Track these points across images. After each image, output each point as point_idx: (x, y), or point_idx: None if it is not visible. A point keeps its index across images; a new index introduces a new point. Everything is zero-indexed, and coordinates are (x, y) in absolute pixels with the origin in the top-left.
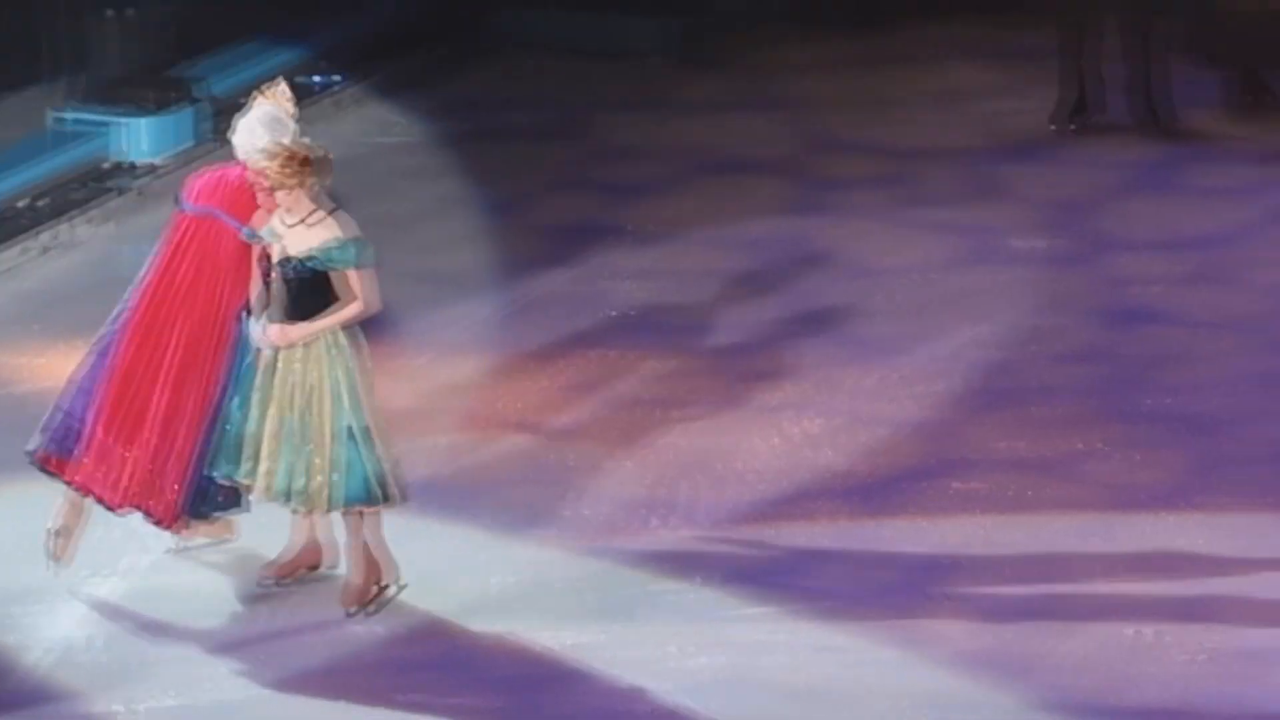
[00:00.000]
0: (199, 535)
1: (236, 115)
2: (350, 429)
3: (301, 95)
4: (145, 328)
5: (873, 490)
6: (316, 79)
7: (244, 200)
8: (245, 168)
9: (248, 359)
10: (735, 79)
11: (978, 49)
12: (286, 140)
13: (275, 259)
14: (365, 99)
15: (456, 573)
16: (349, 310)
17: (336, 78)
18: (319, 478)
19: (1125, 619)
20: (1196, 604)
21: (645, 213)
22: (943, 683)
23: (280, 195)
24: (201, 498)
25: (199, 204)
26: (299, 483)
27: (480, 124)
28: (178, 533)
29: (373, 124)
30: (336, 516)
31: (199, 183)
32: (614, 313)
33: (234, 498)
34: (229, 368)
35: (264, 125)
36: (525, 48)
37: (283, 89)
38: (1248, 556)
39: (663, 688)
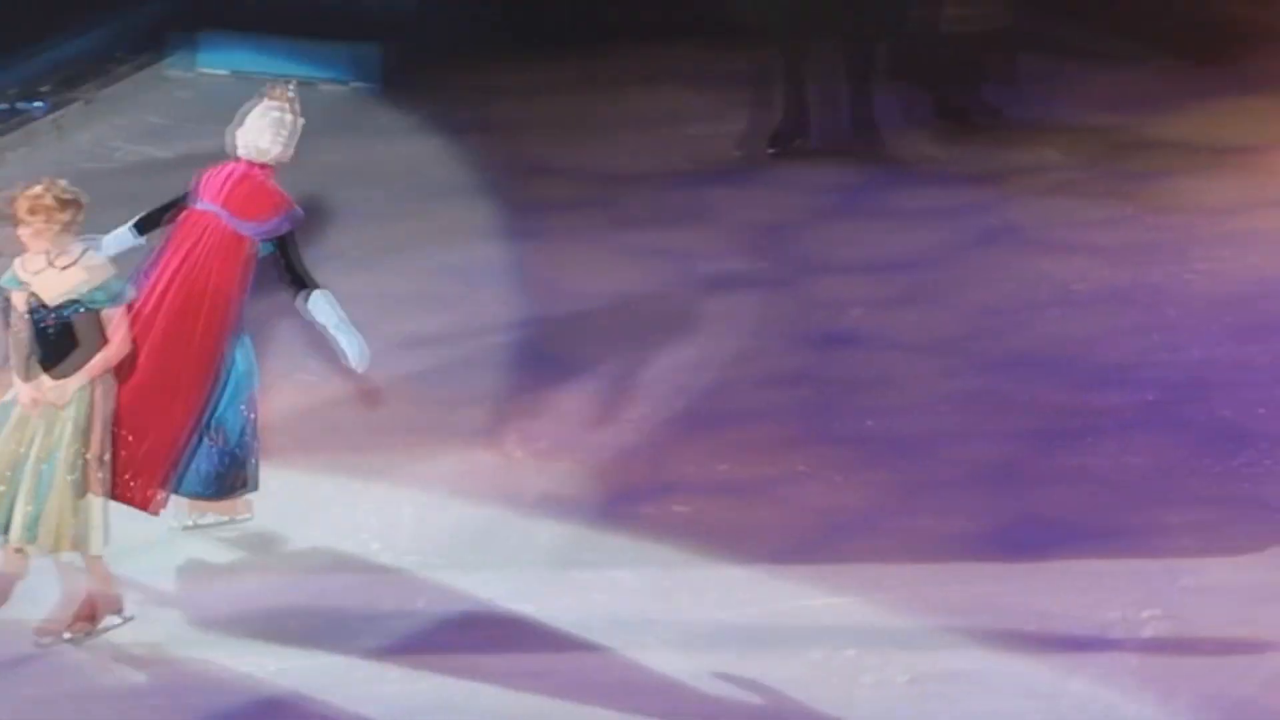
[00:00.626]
0: (211, 512)
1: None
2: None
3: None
4: (147, 320)
5: (585, 512)
6: (25, 104)
7: (251, 199)
8: (250, 165)
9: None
10: (441, 104)
11: (685, 73)
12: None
13: (24, 308)
14: (72, 124)
15: (169, 604)
16: (111, 350)
17: (39, 103)
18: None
19: (827, 641)
20: (897, 626)
21: (352, 238)
22: (655, 706)
23: (30, 240)
24: (207, 481)
25: (208, 202)
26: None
27: (174, 149)
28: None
29: (82, 149)
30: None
31: (208, 180)
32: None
33: (244, 481)
34: (220, 366)
35: (269, 126)
36: (220, 75)
37: (289, 89)
38: (950, 578)
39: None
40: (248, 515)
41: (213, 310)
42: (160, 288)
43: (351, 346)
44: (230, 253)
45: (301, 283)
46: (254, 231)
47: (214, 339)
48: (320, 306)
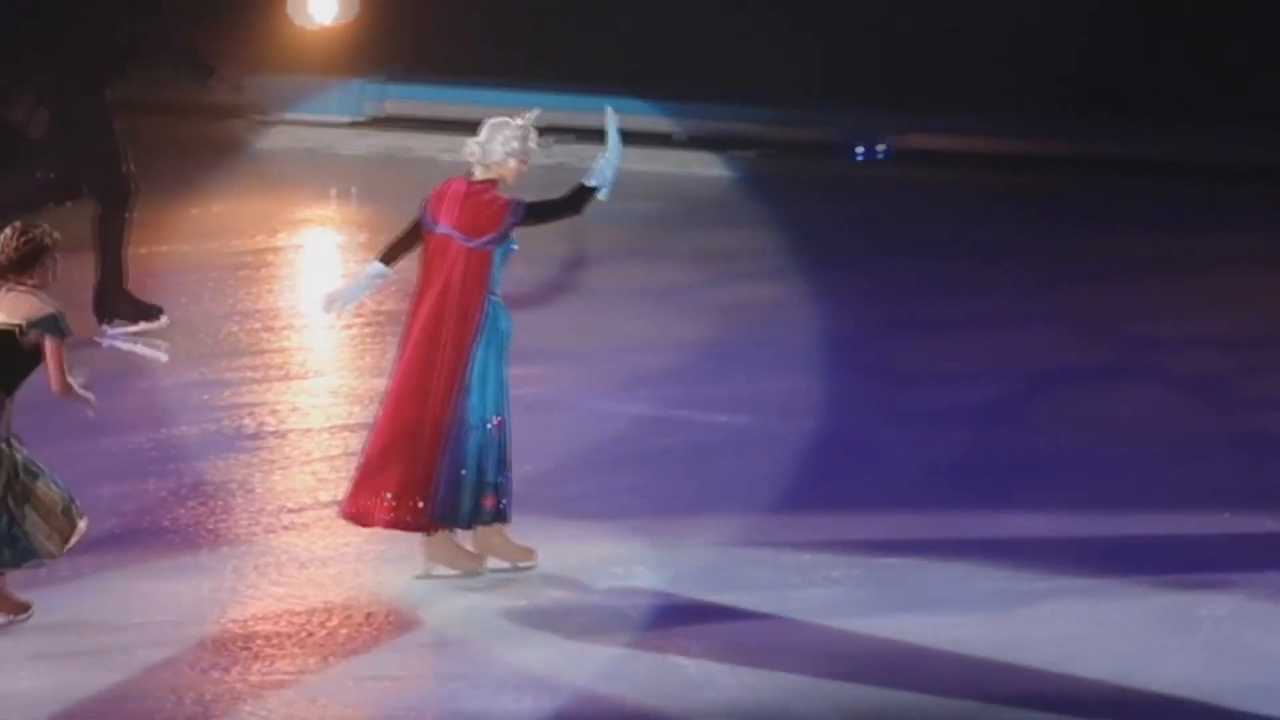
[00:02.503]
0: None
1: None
2: None
3: None
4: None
5: None
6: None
7: (479, 215)
8: (469, 182)
9: (492, 370)
10: None
11: None
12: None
13: None
14: None
15: None
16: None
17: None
18: None
19: None
20: None
21: None
22: None
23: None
24: (458, 510)
25: (443, 225)
26: None
27: None
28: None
29: None
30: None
31: (436, 202)
32: None
33: (498, 511)
34: (464, 376)
35: (503, 140)
36: None
37: (532, 115)
38: None
39: None
40: (530, 563)
41: (460, 324)
42: (416, 315)
43: (607, 167)
44: (471, 268)
45: (574, 203)
46: (488, 243)
47: (463, 351)
48: (612, 126)
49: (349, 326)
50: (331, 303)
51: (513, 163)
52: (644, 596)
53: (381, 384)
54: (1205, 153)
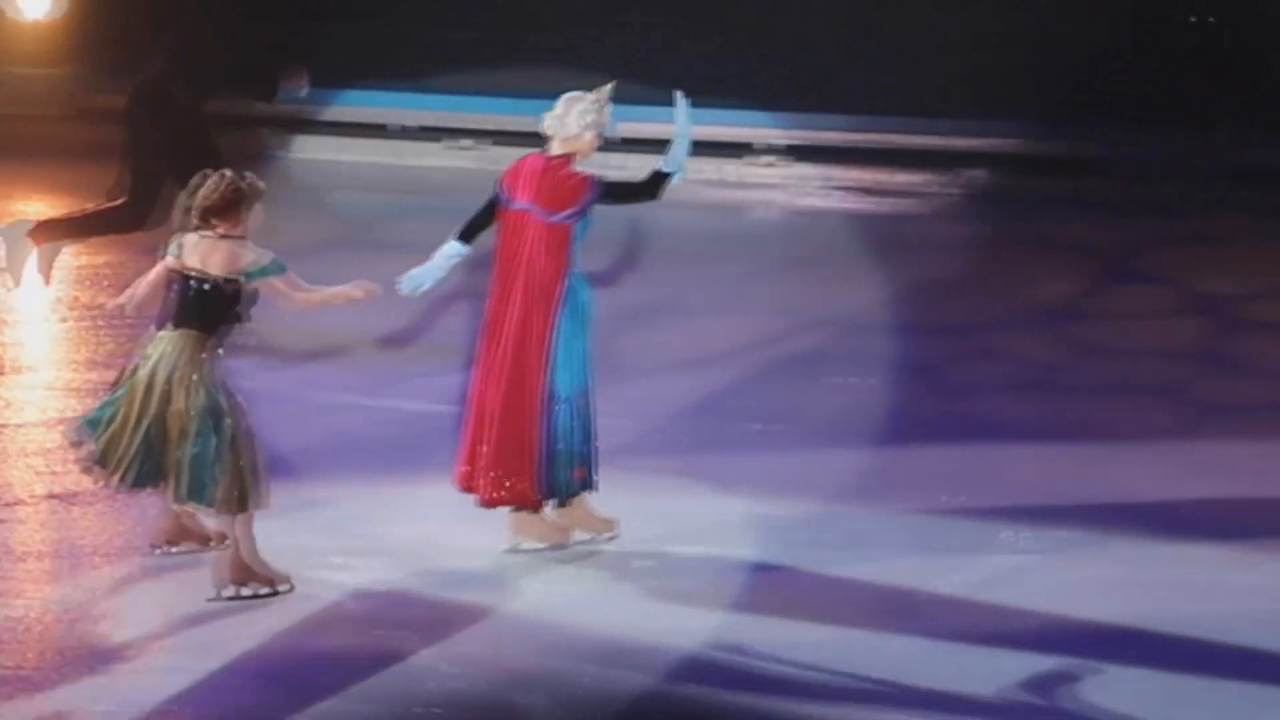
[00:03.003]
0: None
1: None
2: None
3: None
4: (500, 326)
5: None
6: None
7: (558, 190)
8: (546, 157)
9: (576, 342)
10: None
11: None
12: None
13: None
14: None
15: None
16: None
17: None
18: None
19: None
20: None
21: None
22: None
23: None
24: (557, 483)
25: (522, 201)
26: None
27: None
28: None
29: None
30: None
31: (512, 179)
32: None
33: (586, 481)
34: (551, 350)
35: (578, 114)
36: None
37: (608, 89)
38: None
39: None
40: (613, 534)
41: (542, 300)
42: (501, 293)
43: (680, 152)
44: (552, 243)
45: (651, 188)
46: (568, 218)
47: (546, 326)
48: (681, 111)
49: (63, 320)
50: (411, 284)
51: (589, 135)
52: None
53: (98, 377)
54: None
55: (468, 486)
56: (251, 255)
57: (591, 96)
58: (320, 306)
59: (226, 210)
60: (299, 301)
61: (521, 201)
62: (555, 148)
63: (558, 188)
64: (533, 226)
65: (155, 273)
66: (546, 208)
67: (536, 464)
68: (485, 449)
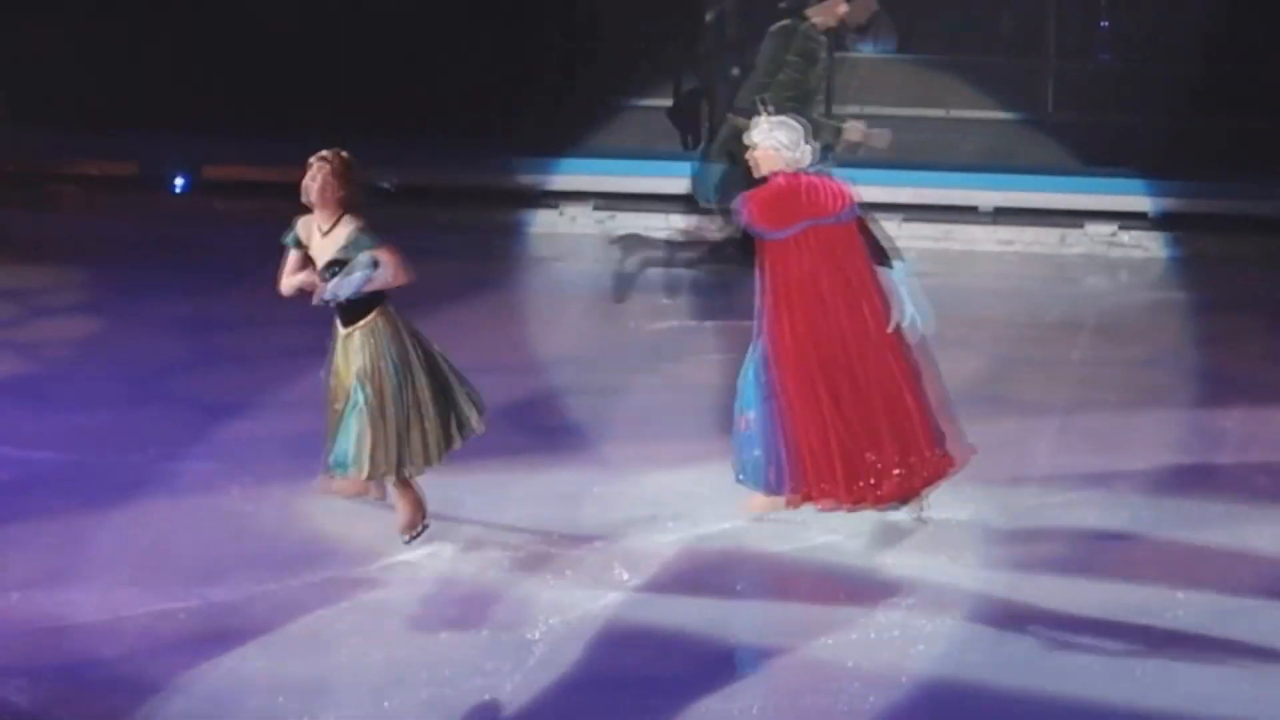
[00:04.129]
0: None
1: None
2: None
3: None
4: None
5: None
6: None
7: (832, 192)
8: (788, 176)
9: None
10: None
11: None
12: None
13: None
14: None
15: None
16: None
17: None
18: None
19: None
20: None
21: None
22: None
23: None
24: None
25: (833, 215)
26: None
27: None
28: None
29: None
30: None
31: (775, 209)
32: None
33: None
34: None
35: (783, 130)
36: None
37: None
38: None
39: None
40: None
41: (864, 293)
42: (813, 308)
43: (906, 311)
44: (852, 238)
45: (884, 255)
46: (854, 211)
47: (881, 315)
48: (899, 276)
49: None
50: None
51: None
52: None
53: None
54: None
55: (858, 502)
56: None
57: (779, 119)
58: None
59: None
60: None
61: (803, 222)
62: (784, 165)
63: (823, 192)
64: (826, 235)
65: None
66: (836, 213)
67: (935, 433)
68: (877, 447)
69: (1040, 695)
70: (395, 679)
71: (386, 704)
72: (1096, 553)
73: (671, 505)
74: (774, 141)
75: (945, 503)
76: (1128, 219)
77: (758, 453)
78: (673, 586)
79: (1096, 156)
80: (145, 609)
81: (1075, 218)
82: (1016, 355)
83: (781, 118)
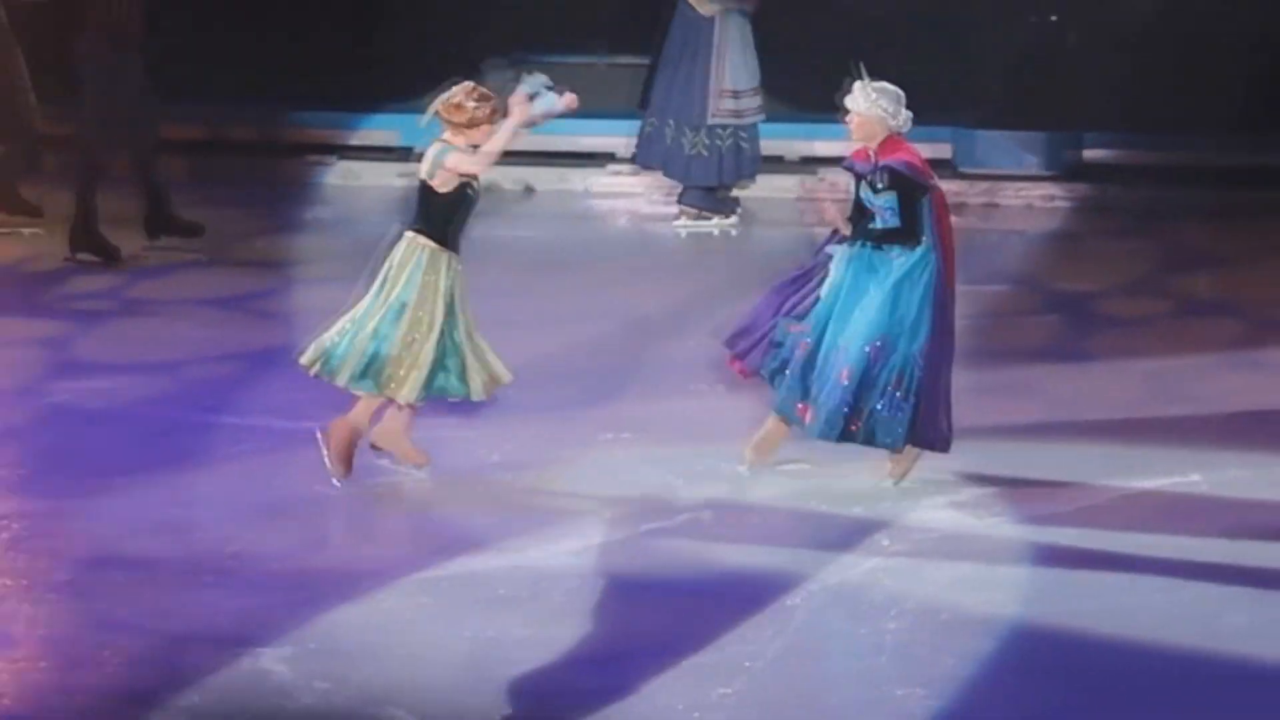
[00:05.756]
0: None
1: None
2: None
3: None
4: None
5: None
6: None
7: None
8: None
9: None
10: None
11: None
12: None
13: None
14: None
15: None
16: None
17: None
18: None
19: None
20: None
21: None
22: None
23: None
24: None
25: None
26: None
27: None
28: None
29: None
30: None
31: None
32: None
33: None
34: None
35: (885, 95)
36: None
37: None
38: None
39: None
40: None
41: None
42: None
43: None
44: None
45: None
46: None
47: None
48: None
49: None
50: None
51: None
52: None
53: None
54: None
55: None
56: (430, 154)
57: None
58: (499, 149)
59: (454, 112)
60: (483, 158)
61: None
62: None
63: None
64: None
65: None
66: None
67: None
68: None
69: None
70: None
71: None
72: None
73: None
74: (879, 109)
75: None
76: None
77: (896, 410)
78: (927, 555)
79: None
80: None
81: None
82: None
83: (882, 83)
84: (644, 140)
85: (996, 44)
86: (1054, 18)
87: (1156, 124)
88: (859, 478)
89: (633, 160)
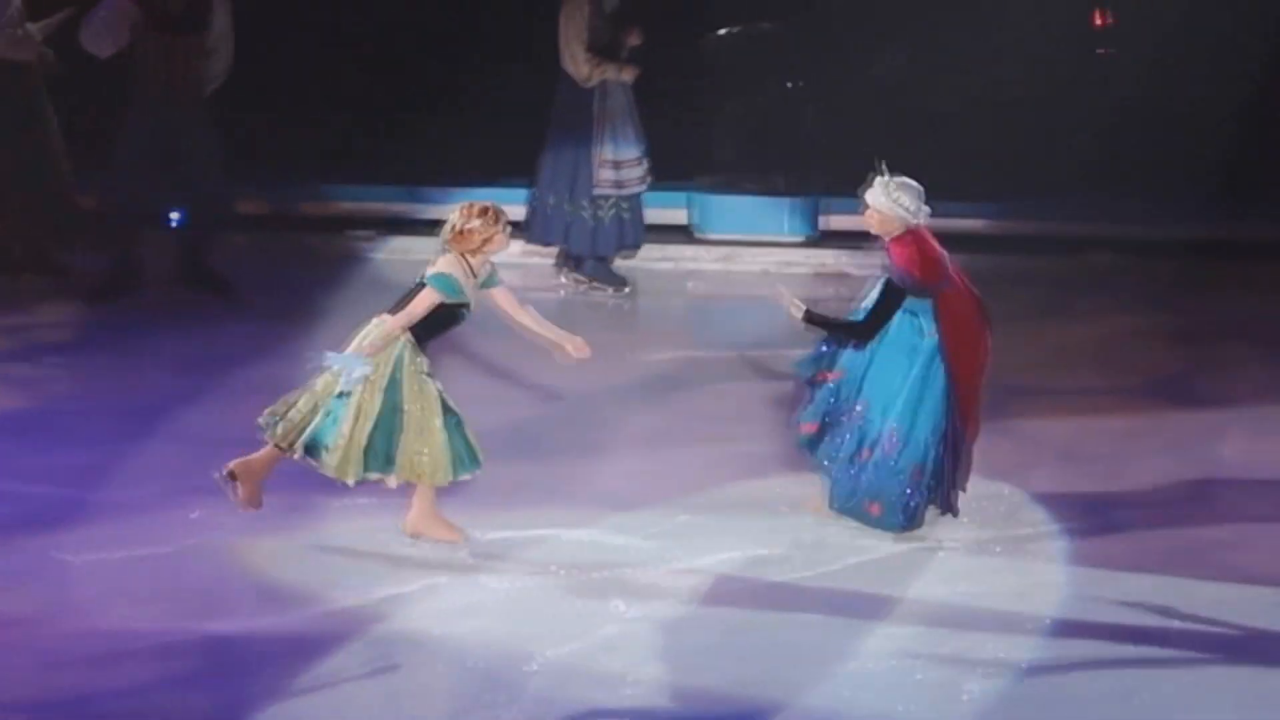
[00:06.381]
0: None
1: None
2: None
3: None
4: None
5: None
6: None
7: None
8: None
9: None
10: None
11: None
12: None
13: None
14: None
15: None
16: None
17: None
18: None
19: None
20: None
21: None
22: None
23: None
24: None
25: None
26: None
27: None
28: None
29: None
30: None
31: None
32: None
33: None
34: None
35: (906, 192)
36: None
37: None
38: None
39: None
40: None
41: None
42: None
43: None
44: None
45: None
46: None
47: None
48: None
49: None
50: None
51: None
52: None
53: None
54: None
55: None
56: (441, 265)
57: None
58: (526, 330)
59: (460, 242)
60: (399, 315)
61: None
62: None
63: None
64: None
65: None
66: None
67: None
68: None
69: None
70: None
71: None
72: None
73: (668, 537)
74: (900, 208)
75: None
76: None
77: (908, 489)
78: (673, 617)
79: None
80: (147, 644)
81: None
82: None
83: (902, 179)
84: (535, 215)
85: (734, 109)
86: (791, 84)
87: None
88: None
89: (523, 233)
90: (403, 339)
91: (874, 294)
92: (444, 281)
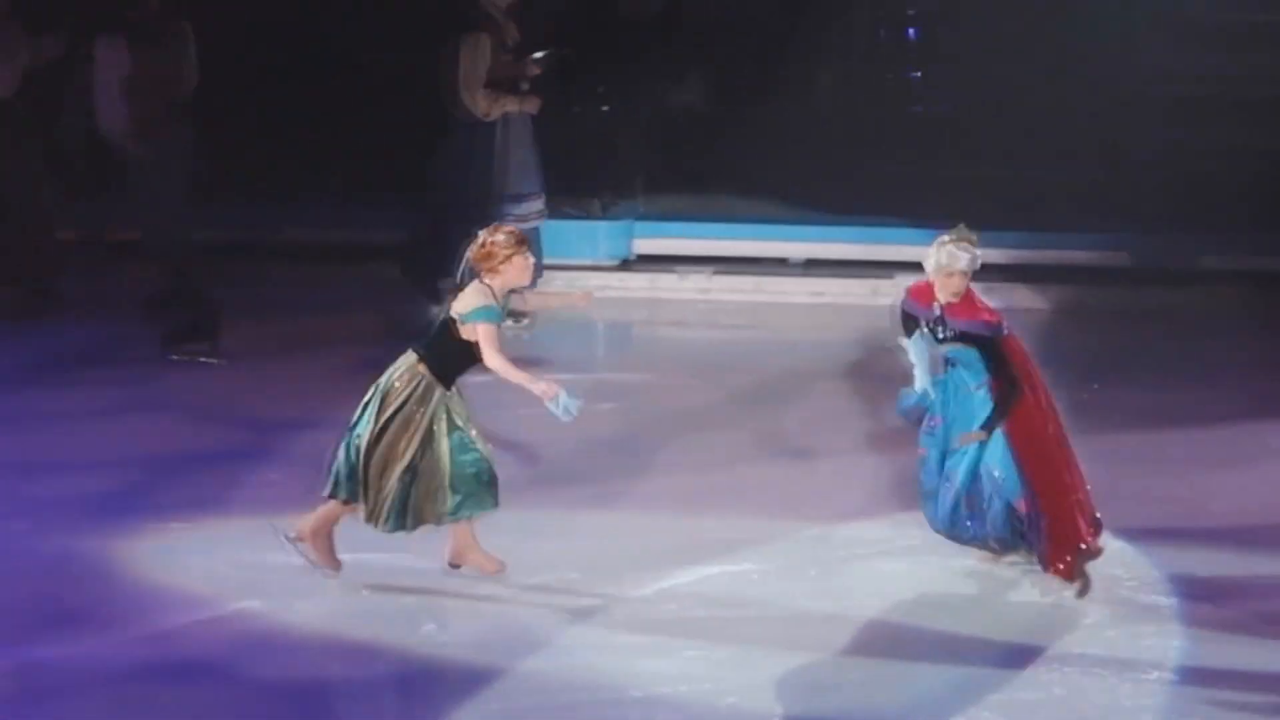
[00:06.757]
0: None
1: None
2: None
3: None
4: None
5: None
6: None
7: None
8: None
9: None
10: None
11: None
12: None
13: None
14: None
15: None
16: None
17: None
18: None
19: None
20: None
21: None
22: None
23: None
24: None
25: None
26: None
27: None
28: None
29: None
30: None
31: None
32: None
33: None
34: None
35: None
36: None
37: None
38: None
39: None
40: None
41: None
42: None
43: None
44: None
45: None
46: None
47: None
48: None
49: None
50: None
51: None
52: None
53: None
54: None
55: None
56: (472, 299)
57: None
58: (503, 376)
59: (484, 261)
60: (487, 360)
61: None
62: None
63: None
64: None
65: None
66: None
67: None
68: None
69: None
70: None
71: None
72: None
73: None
74: (977, 266)
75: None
76: None
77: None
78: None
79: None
80: None
81: (887, 269)
82: (830, 408)
83: (970, 234)
84: (432, 248)
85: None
86: (605, 108)
87: (715, 214)
88: None
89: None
90: (438, 391)
91: (955, 355)
92: (487, 313)
